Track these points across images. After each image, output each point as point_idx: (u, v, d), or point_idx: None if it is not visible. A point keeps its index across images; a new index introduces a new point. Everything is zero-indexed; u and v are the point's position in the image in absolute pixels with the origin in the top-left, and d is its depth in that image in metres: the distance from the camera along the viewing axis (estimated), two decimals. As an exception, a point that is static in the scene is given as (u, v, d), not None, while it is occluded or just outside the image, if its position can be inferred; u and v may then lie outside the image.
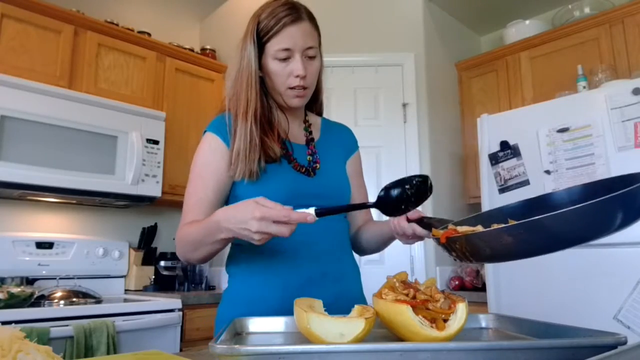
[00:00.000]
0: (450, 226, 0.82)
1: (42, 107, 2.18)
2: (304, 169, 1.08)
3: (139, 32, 2.80)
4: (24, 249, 2.34)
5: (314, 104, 1.22)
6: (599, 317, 1.81)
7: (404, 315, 0.63)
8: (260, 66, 1.06)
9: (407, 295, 0.70)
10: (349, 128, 1.30)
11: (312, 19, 1.08)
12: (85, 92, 2.39)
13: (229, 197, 1.09)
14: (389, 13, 2.87)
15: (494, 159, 2.25)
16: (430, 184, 0.90)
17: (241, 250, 1.09)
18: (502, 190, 2.21)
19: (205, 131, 1.10)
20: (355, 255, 1.21)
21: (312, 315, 0.64)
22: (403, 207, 0.89)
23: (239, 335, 0.80)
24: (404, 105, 2.76)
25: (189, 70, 2.91)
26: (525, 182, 2.14)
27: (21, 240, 2.35)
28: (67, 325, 1.79)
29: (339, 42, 2.82)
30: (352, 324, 0.63)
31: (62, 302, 2.04)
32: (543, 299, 2.00)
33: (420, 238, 0.97)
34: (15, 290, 1.86)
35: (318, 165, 1.11)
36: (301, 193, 1.03)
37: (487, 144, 2.28)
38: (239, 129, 1.03)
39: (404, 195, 0.87)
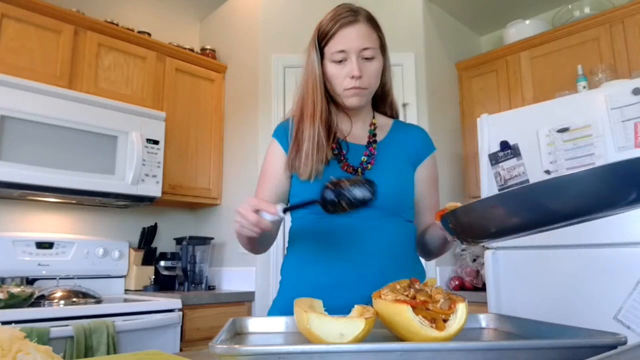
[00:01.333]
0: (446, 205, 0.82)
1: (42, 107, 2.18)
2: (351, 169, 1.08)
3: (139, 32, 2.80)
4: (24, 249, 2.34)
5: (383, 105, 1.23)
6: (599, 317, 1.81)
7: (404, 315, 0.63)
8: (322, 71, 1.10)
9: (407, 295, 0.70)
10: (423, 130, 1.25)
11: (370, 20, 1.09)
12: (85, 92, 2.39)
13: (291, 187, 1.15)
14: (389, 13, 2.87)
15: (494, 159, 2.25)
16: (375, 190, 0.86)
17: (290, 253, 1.14)
18: (502, 190, 2.21)
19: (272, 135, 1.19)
20: None
21: (312, 315, 0.64)
22: (340, 209, 0.86)
23: (239, 335, 0.80)
24: (404, 105, 2.76)
25: (189, 70, 2.91)
26: (525, 182, 2.14)
27: (21, 240, 2.35)
28: (67, 325, 1.79)
29: (339, 42, 2.81)
30: (352, 324, 0.63)
31: (62, 302, 2.04)
32: (543, 299, 2.00)
33: None
34: (15, 290, 1.86)
35: (370, 165, 1.09)
36: None
37: (487, 144, 2.28)
38: (306, 131, 1.07)
39: (340, 196, 0.85)
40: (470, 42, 3.39)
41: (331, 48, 1.06)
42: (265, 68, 2.80)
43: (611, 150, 1.90)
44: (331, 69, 1.07)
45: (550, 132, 2.08)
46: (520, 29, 2.89)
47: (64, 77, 2.36)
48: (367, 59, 1.07)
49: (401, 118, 2.83)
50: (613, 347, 0.57)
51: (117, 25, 2.64)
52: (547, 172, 2.07)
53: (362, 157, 1.11)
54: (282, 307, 1.08)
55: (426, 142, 1.21)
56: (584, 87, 2.38)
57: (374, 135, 1.16)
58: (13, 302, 1.83)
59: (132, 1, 3.13)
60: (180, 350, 2.16)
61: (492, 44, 3.34)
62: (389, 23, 2.85)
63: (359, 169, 1.08)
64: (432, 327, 0.63)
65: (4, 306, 1.79)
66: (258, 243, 1.06)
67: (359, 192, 0.84)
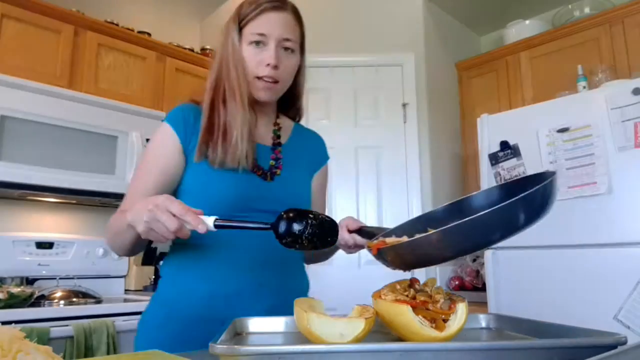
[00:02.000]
0: (381, 238, 0.83)
1: (42, 107, 2.17)
2: (260, 171, 1.01)
3: (139, 32, 2.79)
4: (24, 249, 2.34)
5: (290, 109, 1.15)
6: (599, 317, 1.81)
7: (404, 315, 0.63)
8: None
9: (407, 295, 0.70)
10: (321, 138, 1.22)
11: (296, 13, 1.04)
12: (85, 92, 2.38)
13: (182, 182, 1.01)
14: (389, 13, 2.87)
15: (494, 159, 2.25)
16: (336, 231, 0.78)
17: (175, 251, 1.04)
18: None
19: (162, 120, 1.05)
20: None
21: (312, 316, 0.64)
22: (297, 244, 0.76)
23: (239, 335, 0.80)
24: (404, 105, 2.76)
25: (189, 70, 2.91)
26: (525, 182, 2.13)
27: (21, 240, 2.34)
28: (67, 325, 1.79)
29: (339, 42, 2.82)
30: (352, 324, 0.63)
31: (62, 302, 2.04)
32: (543, 299, 2.00)
33: (361, 247, 0.97)
34: (15, 290, 1.86)
35: (279, 170, 1.04)
36: (254, 196, 0.98)
37: (487, 144, 2.28)
38: (239, 116, 0.97)
39: (302, 232, 0.75)
40: (470, 42, 3.39)
41: (251, 29, 0.98)
42: (265, 68, 2.79)
43: (611, 150, 1.90)
44: (247, 51, 0.98)
45: (550, 132, 2.08)
46: (520, 29, 2.89)
47: (64, 77, 2.36)
48: (287, 49, 1.00)
49: (401, 118, 2.84)
50: (613, 347, 0.57)
51: (117, 25, 2.64)
52: (547, 172, 2.07)
53: (270, 161, 1.04)
54: (166, 309, 0.99)
55: (323, 151, 1.20)
56: (584, 87, 2.38)
57: (278, 137, 1.09)
58: (13, 302, 1.82)
59: (132, 1, 3.13)
60: (180, 350, 2.16)
61: (492, 44, 3.34)
62: (389, 23, 2.87)
63: (269, 173, 1.02)
64: (432, 327, 0.63)
65: (4, 306, 1.79)
66: (142, 243, 0.94)
67: (324, 232, 0.74)
